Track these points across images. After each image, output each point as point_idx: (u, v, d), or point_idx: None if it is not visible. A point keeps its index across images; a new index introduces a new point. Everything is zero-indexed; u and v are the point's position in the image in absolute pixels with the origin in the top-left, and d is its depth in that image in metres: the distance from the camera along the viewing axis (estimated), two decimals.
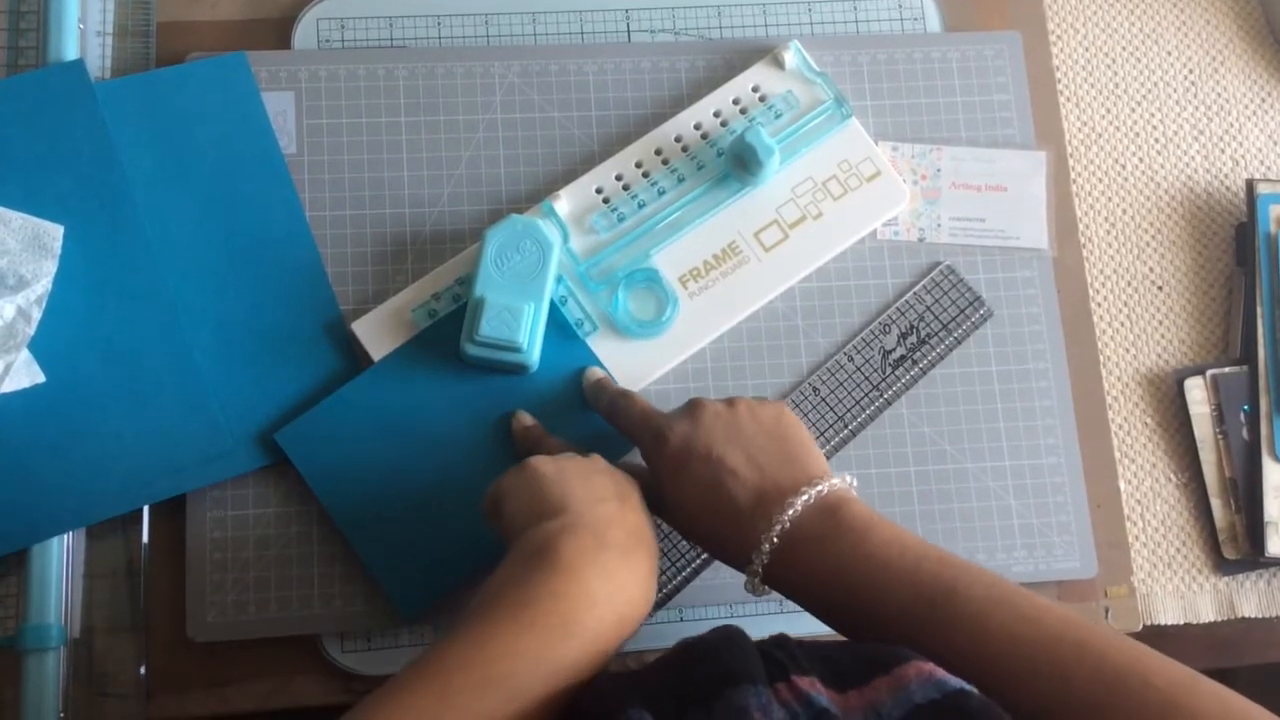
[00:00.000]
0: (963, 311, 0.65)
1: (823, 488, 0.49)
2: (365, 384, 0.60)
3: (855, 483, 0.51)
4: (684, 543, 0.61)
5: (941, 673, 0.40)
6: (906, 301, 0.65)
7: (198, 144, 0.63)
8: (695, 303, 0.63)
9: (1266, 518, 0.63)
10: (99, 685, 0.58)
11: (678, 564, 0.61)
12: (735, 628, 0.46)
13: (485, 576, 0.59)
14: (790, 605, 0.61)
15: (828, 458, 0.62)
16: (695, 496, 0.51)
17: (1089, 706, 0.41)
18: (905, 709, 0.39)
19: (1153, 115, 0.72)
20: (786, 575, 0.49)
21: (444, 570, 0.59)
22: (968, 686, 0.39)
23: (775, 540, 0.48)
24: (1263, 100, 0.72)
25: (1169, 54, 0.73)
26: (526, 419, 0.60)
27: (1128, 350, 0.68)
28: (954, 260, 0.66)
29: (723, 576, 0.61)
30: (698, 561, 0.61)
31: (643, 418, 0.55)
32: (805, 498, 0.48)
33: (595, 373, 0.61)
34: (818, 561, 0.48)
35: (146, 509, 0.60)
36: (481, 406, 0.60)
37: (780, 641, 0.45)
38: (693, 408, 0.53)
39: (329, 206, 0.64)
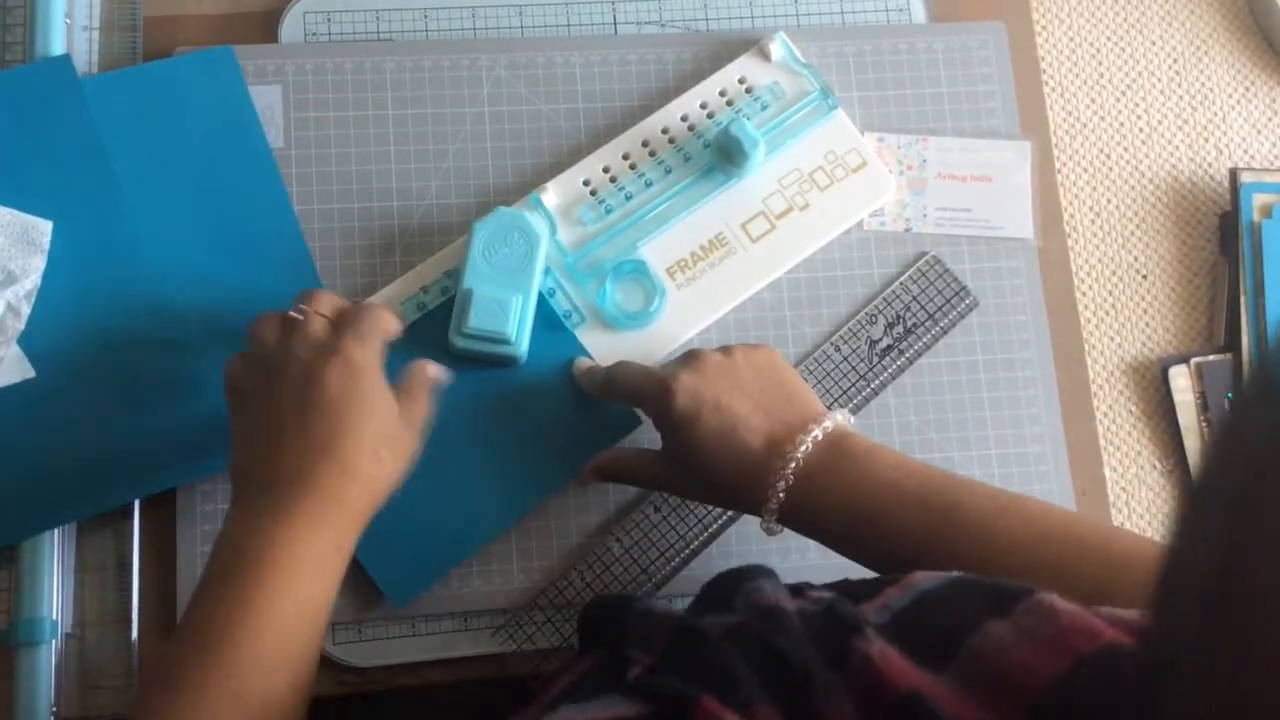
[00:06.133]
0: (948, 301, 0.66)
1: (828, 424, 0.52)
2: None
3: (852, 419, 0.54)
4: (673, 531, 0.61)
5: (945, 572, 0.42)
6: (893, 292, 0.66)
7: (185, 138, 0.63)
8: (683, 294, 0.64)
9: None
10: (91, 678, 0.58)
11: (666, 554, 0.61)
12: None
13: (474, 565, 0.60)
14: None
15: None
16: (708, 447, 0.52)
17: (1094, 589, 0.42)
18: (912, 596, 0.41)
19: (1137, 105, 0.72)
20: (800, 511, 0.51)
21: (434, 559, 0.59)
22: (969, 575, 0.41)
23: (790, 478, 0.50)
24: (1246, 89, 0.73)
25: (1153, 43, 0.73)
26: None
27: (1112, 339, 0.68)
28: (940, 250, 0.67)
29: (715, 564, 0.62)
30: (686, 551, 0.61)
31: (644, 374, 0.56)
32: (814, 434, 0.51)
33: (585, 362, 0.62)
34: (829, 494, 0.50)
35: (137, 503, 0.60)
36: (470, 398, 0.61)
37: (798, 585, 0.47)
38: (693, 358, 0.55)
39: (317, 200, 0.64)
